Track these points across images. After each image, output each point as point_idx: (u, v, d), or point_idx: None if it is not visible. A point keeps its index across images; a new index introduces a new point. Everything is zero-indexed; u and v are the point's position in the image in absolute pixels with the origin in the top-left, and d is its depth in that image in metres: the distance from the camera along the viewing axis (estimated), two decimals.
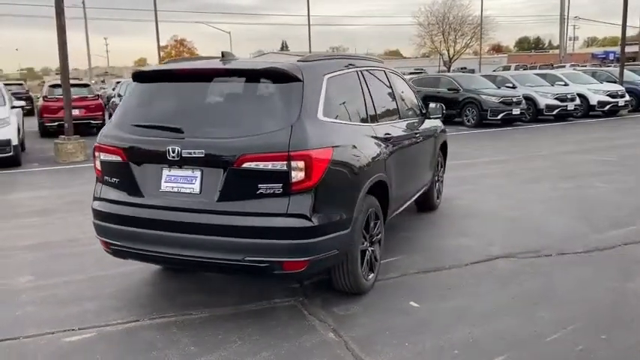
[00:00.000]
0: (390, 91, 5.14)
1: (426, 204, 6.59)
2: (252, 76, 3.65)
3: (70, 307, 4.10)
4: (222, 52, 4.03)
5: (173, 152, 3.51)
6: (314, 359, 3.31)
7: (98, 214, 3.92)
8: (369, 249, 4.24)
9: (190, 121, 3.64)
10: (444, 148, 6.88)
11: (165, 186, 3.63)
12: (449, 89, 17.30)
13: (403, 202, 5.16)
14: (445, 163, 7.12)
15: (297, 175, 3.38)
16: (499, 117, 16.27)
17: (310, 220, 3.43)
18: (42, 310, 4.09)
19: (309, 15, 36.26)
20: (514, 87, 17.88)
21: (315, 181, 3.44)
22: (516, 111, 16.42)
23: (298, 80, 3.59)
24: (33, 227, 6.37)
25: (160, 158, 3.58)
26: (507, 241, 5.48)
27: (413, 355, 3.32)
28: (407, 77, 21.77)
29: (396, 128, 4.95)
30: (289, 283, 4.40)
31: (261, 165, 3.39)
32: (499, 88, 17.68)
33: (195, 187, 3.55)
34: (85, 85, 18.24)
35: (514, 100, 16.51)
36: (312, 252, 3.48)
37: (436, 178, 6.64)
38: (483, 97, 16.42)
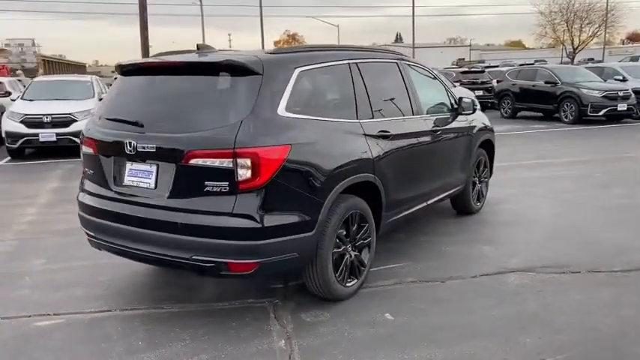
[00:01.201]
0: (400, 85, 4.77)
1: (462, 208, 6.12)
2: (211, 69, 3.55)
3: (59, 293, 4.28)
4: (197, 45, 3.96)
5: (130, 146, 3.52)
6: None
7: (80, 206, 4.03)
8: (351, 253, 3.99)
9: (151, 115, 3.62)
10: (488, 147, 6.33)
11: (127, 180, 3.65)
12: (546, 82, 16.00)
13: (412, 206, 4.78)
14: (492, 163, 6.55)
15: (244, 174, 3.23)
16: (601, 113, 14.78)
17: (257, 221, 3.27)
18: (34, 293, 4.30)
19: (413, 6, 35.41)
20: (624, 80, 16.14)
21: (263, 181, 3.27)
22: (622, 106, 14.81)
23: (256, 74, 3.43)
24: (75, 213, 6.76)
25: (122, 152, 3.59)
26: (536, 253, 4.91)
27: None
28: (505, 69, 20.55)
29: (403, 125, 4.60)
30: (272, 283, 4.28)
31: (208, 162, 3.28)
32: (605, 81, 16.06)
33: (151, 181, 3.52)
34: None
35: (620, 94, 14.90)
36: (261, 254, 3.32)
37: (476, 179, 6.13)
38: (584, 90, 14.98)
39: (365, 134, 4.07)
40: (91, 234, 3.92)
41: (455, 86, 14.76)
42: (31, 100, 11.41)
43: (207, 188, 3.30)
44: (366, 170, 4.01)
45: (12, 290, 4.37)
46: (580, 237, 5.37)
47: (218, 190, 3.28)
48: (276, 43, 74.23)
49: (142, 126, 3.56)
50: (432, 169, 5.08)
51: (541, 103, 16.13)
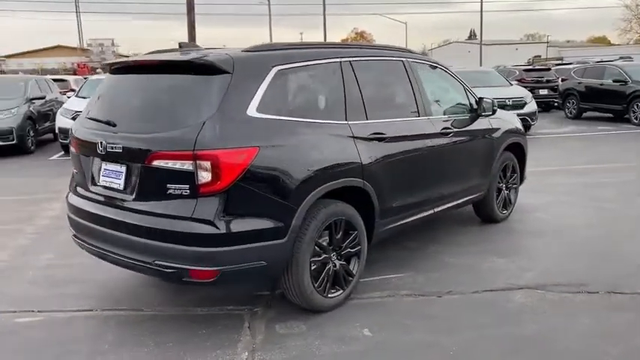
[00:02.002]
0: (405, 84, 4.48)
1: (485, 215, 5.72)
2: (182, 68, 3.44)
3: (53, 289, 4.33)
4: (180, 44, 3.86)
5: (101, 146, 3.48)
6: None
7: (67, 205, 4.04)
8: (336, 262, 3.77)
9: (125, 115, 3.57)
10: (517, 151, 5.89)
11: (102, 180, 3.61)
12: (614, 81, 14.88)
13: (415, 213, 4.46)
14: (522, 169, 6.08)
15: (204, 177, 3.10)
16: None
17: (216, 227, 3.12)
18: (30, 288, 4.37)
19: (482, 0, 34.18)
20: None
21: (225, 185, 3.12)
22: None
23: (226, 72, 3.28)
24: None
25: (96, 152, 3.56)
26: (555, 269, 4.49)
27: None
28: (571, 66, 19.34)
29: (404, 127, 4.31)
30: (259, 290, 4.12)
31: (170, 163, 3.17)
32: None
33: (121, 182, 3.46)
34: None
35: None
36: (222, 262, 3.17)
37: (501, 185, 5.72)
38: None
39: (354, 136, 3.84)
40: (74, 232, 3.92)
41: (511, 85, 14.03)
42: (84, 98, 11.84)
43: (170, 191, 3.19)
44: (353, 175, 3.78)
45: (11, 284, 4.47)
46: (611, 253, 4.86)
47: (179, 193, 3.17)
48: (343, 41, 73.94)
49: (114, 125, 3.51)
50: (442, 174, 4.75)
51: (609, 103, 15.04)
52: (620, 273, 4.36)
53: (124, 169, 3.45)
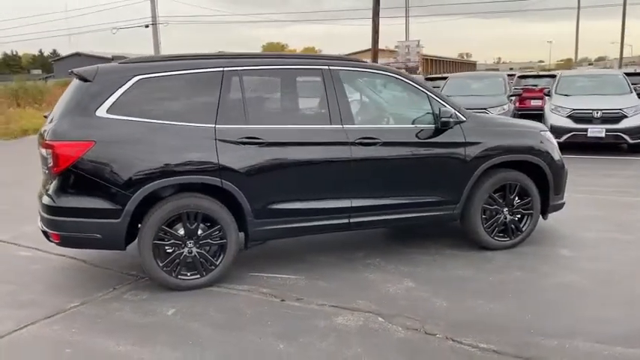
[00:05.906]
0: (318, 93, 4.51)
1: (472, 238, 5.12)
2: (76, 77, 4.40)
3: None
4: (112, 56, 4.78)
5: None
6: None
7: None
8: (192, 250, 4.25)
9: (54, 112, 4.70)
10: (533, 171, 5.07)
11: None
12: None
13: (316, 219, 4.48)
14: (546, 193, 5.14)
15: (50, 162, 4.05)
16: None
17: (53, 200, 4.05)
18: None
19: None
20: None
21: (62, 168, 4.00)
22: None
23: (87, 80, 4.13)
24: None
25: None
26: (450, 305, 3.98)
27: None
28: None
29: (293, 133, 4.43)
30: None
31: (43, 150, 4.21)
32: None
33: None
34: (553, 77, 17.60)
35: None
36: (59, 228, 4.09)
37: (500, 208, 5.01)
38: None
39: (217, 139, 4.21)
40: None
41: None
42: None
43: (45, 170, 4.25)
44: (207, 174, 4.18)
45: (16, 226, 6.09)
46: (573, 309, 3.93)
47: (47, 172, 4.19)
48: None
49: (47, 118, 4.71)
50: (360, 184, 4.57)
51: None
52: (526, 329, 3.60)
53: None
